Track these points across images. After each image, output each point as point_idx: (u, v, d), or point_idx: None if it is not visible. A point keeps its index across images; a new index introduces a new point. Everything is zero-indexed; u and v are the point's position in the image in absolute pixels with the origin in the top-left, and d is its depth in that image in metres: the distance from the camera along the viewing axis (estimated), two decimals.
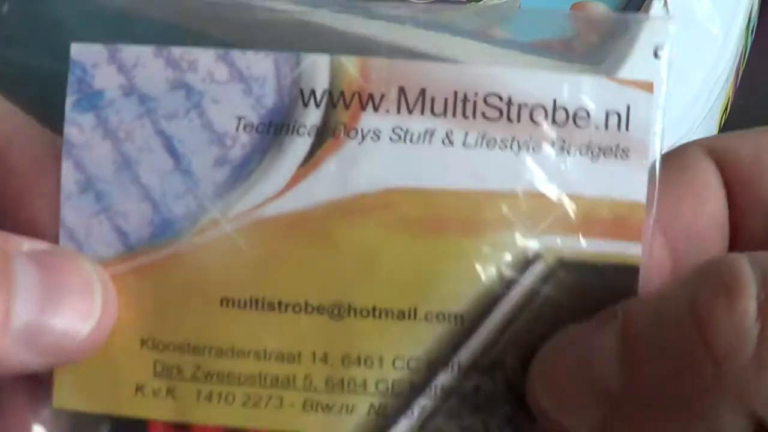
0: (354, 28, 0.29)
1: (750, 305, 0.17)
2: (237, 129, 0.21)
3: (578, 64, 0.30)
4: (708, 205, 0.22)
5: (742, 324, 0.17)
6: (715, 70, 0.37)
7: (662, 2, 0.34)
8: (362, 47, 0.22)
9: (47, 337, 0.20)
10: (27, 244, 0.20)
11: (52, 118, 0.37)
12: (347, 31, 0.26)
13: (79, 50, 0.21)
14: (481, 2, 0.36)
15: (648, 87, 0.21)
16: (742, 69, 0.44)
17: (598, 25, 0.33)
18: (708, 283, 0.18)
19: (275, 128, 0.21)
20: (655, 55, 0.22)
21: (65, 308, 0.20)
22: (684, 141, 0.34)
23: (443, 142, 0.21)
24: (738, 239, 0.23)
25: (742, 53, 0.42)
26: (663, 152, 0.22)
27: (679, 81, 0.35)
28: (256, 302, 0.21)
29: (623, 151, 0.21)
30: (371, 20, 0.31)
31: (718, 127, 0.42)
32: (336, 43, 0.23)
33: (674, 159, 0.23)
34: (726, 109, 0.42)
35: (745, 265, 0.18)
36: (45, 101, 0.37)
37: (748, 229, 0.23)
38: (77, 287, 0.20)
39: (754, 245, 0.22)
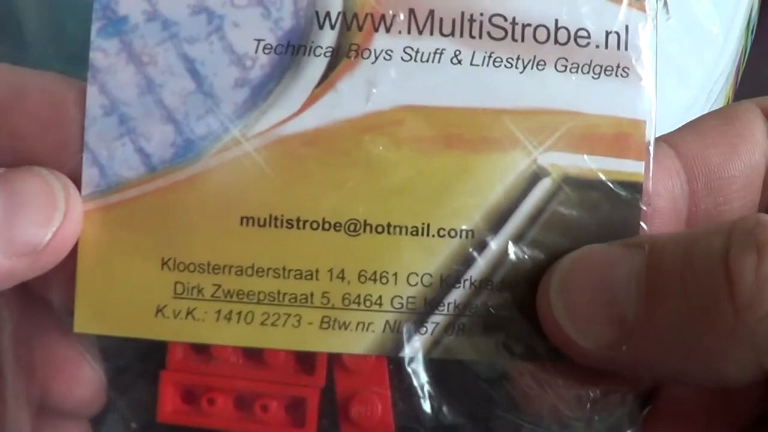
0: None
1: None
2: (256, 51, 0.22)
3: None
4: (742, 156, 0.23)
5: (765, 282, 0.19)
6: (715, 70, 0.37)
7: (662, 2, 0.34)
8: None
9: (15, 239, 0.21)
10: None
11: None
12: None
13: None
14: None
15: (644, 8, 0.22)
16: (742, 69, 0.44)
17: None
18: (743, 239, 0.19)
19: (293, 49, 0.22)
20: None
21: (26, 216, 0.21)
22: None
23: (452, 61, 0.22)
24: None
25: (742, 53, 0.42)
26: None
27: (679, 81, 0.35)
28: (275, 220, 0.22)
29: (623, 69, 0.22)
30: None
31: None
32: None
33: (724, 111, 0.24)
34: None
35: None
36: None
37: None
38: (37, 196, 0.21)
39: None
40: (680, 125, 0.24)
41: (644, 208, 0.22)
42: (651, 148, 0.22)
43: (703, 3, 0.37)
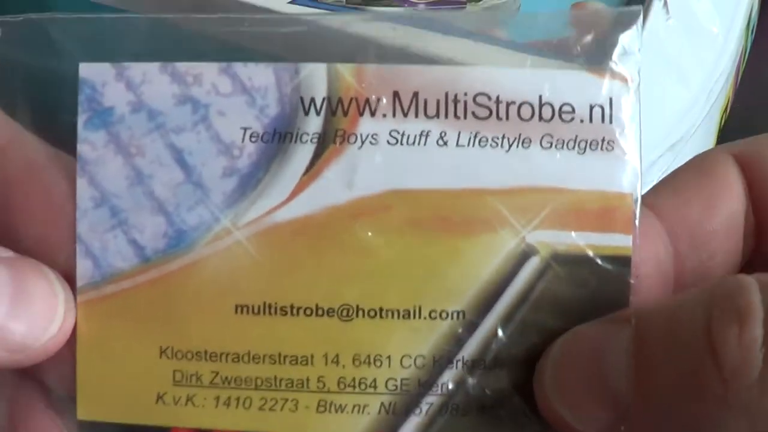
0: (354, 29, 0.30)
1: (758, 332, 0.19)
2: (243, 139, 0.22)
3: (577, 63, 0.31)
4: (720, 209, 0.23)
5: (750, 350, 0.19)
6: (715, 70, 0.37)
7: (662, 2, 0.34)
8: (362, 49, 0.23)
9: (13, 337, 0.21)
10: None
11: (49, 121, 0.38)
12: (349, 32, 0.27)
13: (87, 69, 0.22)
14: (482, 2, 0.36)
15: (627, 79, 0.22)
16: (742, 69, 0.44)
17: (596, 23, 0.34)
18: (722, 307, 0.20)
19: (279, 137, 0.22)
20: (626, 50, 0.22)
21: (31, 311, 0.21)
22: (683, 142, 0.35)
23: (437, 143, 0.22)
24: (763, 242, 0.24)
25: (742, 53, 0.42)
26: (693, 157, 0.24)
27: (679, 81, 0.35)
28: (269, 307, 0.22)
29: (608, 143, 0.22)
30: (372, 22, 0.32)
31: (717, 128, 0.42)
32: (337, 47, 0.24)
33: (697, 162, 0.24)
34: (726, 109, 0.43)
35: (754, 291, 0.19)
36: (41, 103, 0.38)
37: None
38: (43, 292, 0.22)
39: None
40: (658, 182, 0.24)
41: (632, 281, 0.22)
42: (637, 222, 0.22)
43: (703, 3, 0.37)
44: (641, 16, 0.23)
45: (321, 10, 0.34)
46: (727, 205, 0.23)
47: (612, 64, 0.22)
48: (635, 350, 0.21)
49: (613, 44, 0.23)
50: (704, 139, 0.40)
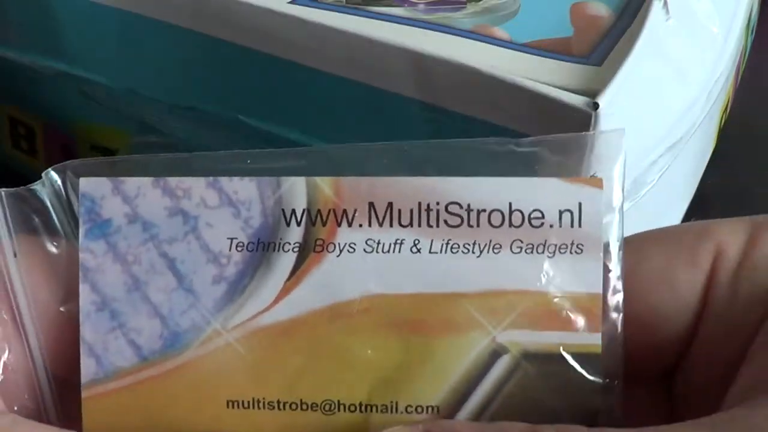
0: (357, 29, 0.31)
1: None
2: (230, 249, 0.24)
3: (577, 64, 0.32)
4: (666, 293, 0.24)
5: None
6: (715, 70, 0.37)
7: (662, 2, 0.34)
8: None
9: None
10: None
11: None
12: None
13: (86, 184, 0.24)
14: (482, 1, 0.36)
15: (597, 183, 0.23)
16: (742, 69, 0.44)
17: (597, 24, 0.34)
18: None
19: (263, 246, 0.24)
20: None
21: None
22: (683, 142, 0.35)
23: (411, 250, 0.24)
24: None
25: (742, 53, 0.42)
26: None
27: (679, 81, 0.35)
28: (258, 402, 0.24)
29: (578, 246, 0.23)
30: (372, 20, 0.33)
31: (717, 128, 0.42)
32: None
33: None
34: (726, 109, 0.42)
35: None
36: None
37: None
38: None
39: (631, 356, 0.24)
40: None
41: (600, 381, 0.23)
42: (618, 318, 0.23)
43: (703, 3, 0.37)
44: (623, 137, 0.24)
45: (321, 10, 0.34)
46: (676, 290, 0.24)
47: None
48: None
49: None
50: (704, 139, 0.40)
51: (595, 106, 0.30)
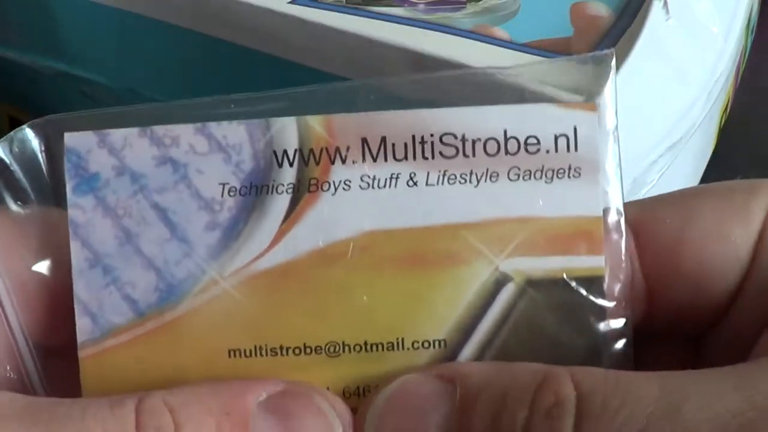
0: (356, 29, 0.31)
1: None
2: (222, 195, 0.23)
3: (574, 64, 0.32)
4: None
5: None
6: (716, 70, 0.37)
7: (662, 2, 0.35)
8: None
9: None
10: (264, 390, 0.22)
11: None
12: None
13: (71, 139, 0.23)
14: (482, 1, 0.37)
15: (592, 107, 0.23)
16: (742, 69, 0.44)
17: (597, 24, 0.34)
18: (542, 400, 0.21)
19: (256, 190, 0.23)
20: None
21: None
22: (683, 142, 0.35)
23: (408, 184, 0.23)
24: (656, 307, 0.24)
25: (742, 53, 0.42)
26: None
27: (679, 81, 0.35)
28: (260, 349, 0.23)
29: (575, 170, 0.23)
30: (372, 20, 0.33)
31: (717, 127, 0.42)
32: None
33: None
34: (726, 109, 0.42)
35: (568, 385, 0.21)
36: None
37: (666, 299, 0.24)
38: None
39: (671, 314, 0.24)
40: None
41: (606, 304, 0.23)
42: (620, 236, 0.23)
43: (703, 3, 0.37)
44: (613, 59, 0.23)
45: (321, 10, 0.34)
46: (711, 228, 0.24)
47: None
48: (459, 420, 0.22)
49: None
50: (704, 139, 0.40)
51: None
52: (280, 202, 0.23)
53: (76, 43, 0.37)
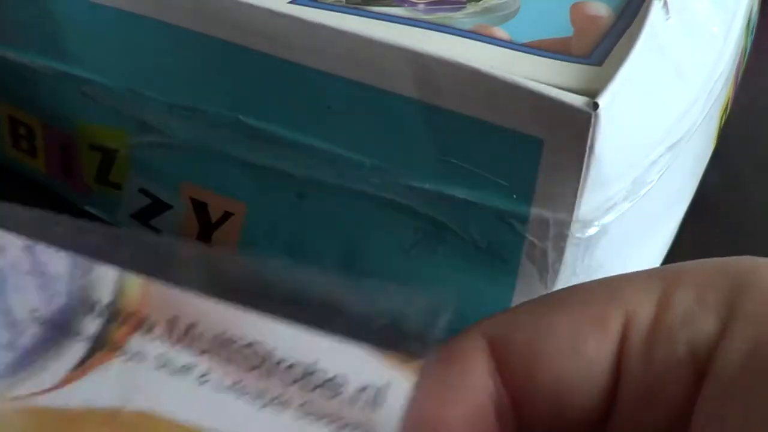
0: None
1: None
2: (29, 320, 0.23)
3: (577, 64, 0.31)
4: (460, 400, 0.23)
5: None
6: (715, 70, 0.36)
7: (662, 2, 0.33)
8: None
9: None
10: None
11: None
12: None
13: None
14: (482, 1, 0.36)
15: (416, 368, 0.21)
16: (742, 69, 0.43)
17: (597, 23, 0.34)
18: None
19: (60, 328, 0.23)
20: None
21: None
22: (683, 142, 0.35)
23: (199, 379, 0.22)
24: (526, 424, 0.23)
25: (742, 53, 0.41)
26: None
27: (679, 81, 0.34)
28: None
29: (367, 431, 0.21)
30: (372, 20, 0.33)
31: (717, 128, 0.41)
32: None
33: (446, 350, 0.23)
34: (726, 109, 0.42)
35: None
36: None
37: (532, 417, 0.23)
38: None
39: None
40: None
41: None
42: None
43: (703, 3, 0.36)
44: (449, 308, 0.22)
45: (321, 10, 0.33)
46: (470, 395, 0.23)
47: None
48: None
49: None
50: (704, 139, 0.40)
51: (595, 105, 0.29)
52: (77, 349, 0.22)
53: (76, 43, 0.37)
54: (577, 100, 0.30)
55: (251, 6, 0.34)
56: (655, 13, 0.33)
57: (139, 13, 0.36)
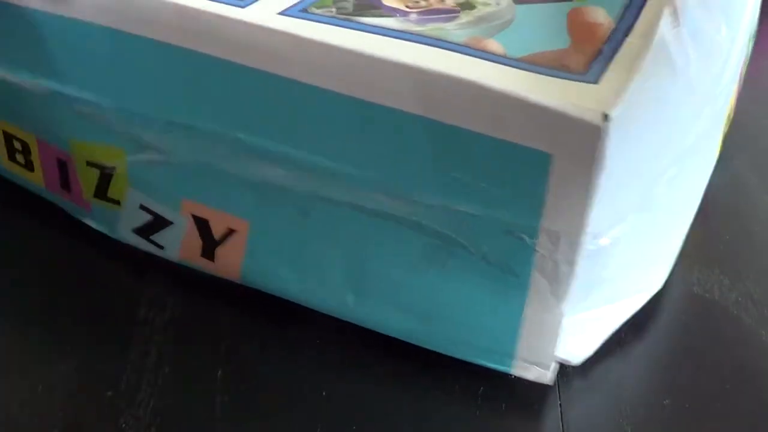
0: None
1: None
2: None
3: (573, 81, 0.31)
4: None
5: None
6: (721, 79, 0.36)
7: (672, 9, 0.33)
8: None
9: None
10: None
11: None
12: None
13: None
14: (475, 10, 0.35)
15: None
16: (743, 75, 0.43)
17: (595, 32, 0.33)
18: None
19: None
20: None
21: None
22: (690, 151, 0.35)
23: None
24: None
25: (744, 61, 0.41)
26: None
27: (686, 91, 0.33)
28: None
29: None
30: (365, 33, 0.32)
31: (722, 135, 0.41)
32: None
33: None
34: (730, 116, 0.42)
35: None
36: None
37: None
38: None
39: None
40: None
41: None
42: None
43: (711, 11, 0.35)
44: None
45: (312, 23, 0.33)
46: None
47: None
48: None
49: None
50: (710, 147, 0.40)
51: (606, 118, 0.29)
52: None
53: (68, 62, 0.36)
54: (588, 114, 0.29)
55: (244, 23, 0.33)
56: (664, 21, 0.33)
57: (130, 31, 0.35)
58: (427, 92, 0.31)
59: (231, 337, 0.37)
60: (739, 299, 0.41)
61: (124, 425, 0.34)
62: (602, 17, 0.35)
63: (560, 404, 0.35)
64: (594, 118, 0.29)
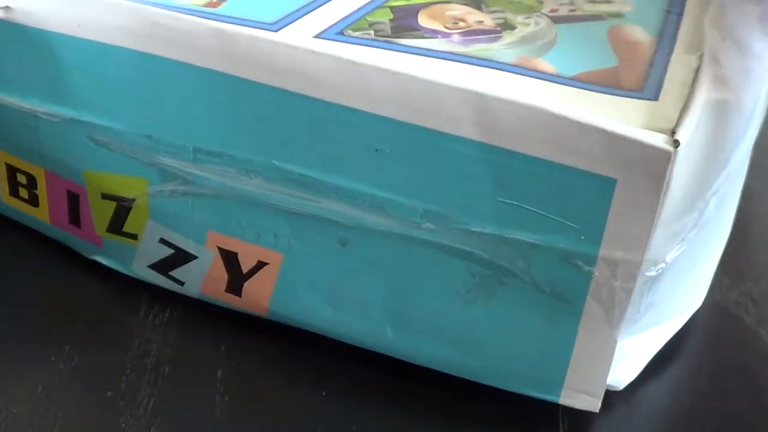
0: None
1: None
2: None
3: (632, 99, 0.31)
4: None
5: None
6: (762, 90, 0.35)
7: (711, 22, 0.33)
8: None
9: None
10: None
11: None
12: None
13: None
14: (516, 29, 0.35)
15: None
16: None
17: (639, 51, 0.34)
18: None
19: None
20: None
21: None
22: (738, 170, 0.36)
23: None
24: None
25: None
26: None
27: (736, 108, 0.33)
28: None
29: None
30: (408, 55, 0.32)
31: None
32: None
33: None
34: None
35: None
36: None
37: None
38: None
39: None
40: None
41: None
42: None
43: (750, 22, 0.36)
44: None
45: (352, 45, 0.32)
46: None
47: None
48: None
49: None
50: (746, 161, 0.40)
51: (676, 143, 0.28)
52: None
53: (86, 87, 0.34)
54: (657, 139, 0.29)
55: (287, 45, 0.32)
56: (711, 37, 0.33)
57: (158, 54, 0.33)
58: (484, 116, 0.30)
59: (231, 338, 0.37)
60: (739, 299, 0.41)
61: (124, 425, 0.33)
62: (641, 35, 0.35)
63: None
64: (663, 142, 0.29)
